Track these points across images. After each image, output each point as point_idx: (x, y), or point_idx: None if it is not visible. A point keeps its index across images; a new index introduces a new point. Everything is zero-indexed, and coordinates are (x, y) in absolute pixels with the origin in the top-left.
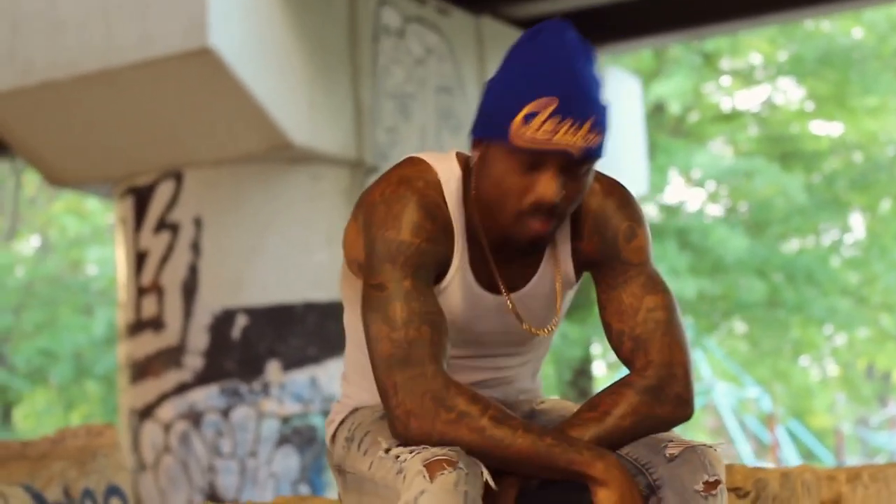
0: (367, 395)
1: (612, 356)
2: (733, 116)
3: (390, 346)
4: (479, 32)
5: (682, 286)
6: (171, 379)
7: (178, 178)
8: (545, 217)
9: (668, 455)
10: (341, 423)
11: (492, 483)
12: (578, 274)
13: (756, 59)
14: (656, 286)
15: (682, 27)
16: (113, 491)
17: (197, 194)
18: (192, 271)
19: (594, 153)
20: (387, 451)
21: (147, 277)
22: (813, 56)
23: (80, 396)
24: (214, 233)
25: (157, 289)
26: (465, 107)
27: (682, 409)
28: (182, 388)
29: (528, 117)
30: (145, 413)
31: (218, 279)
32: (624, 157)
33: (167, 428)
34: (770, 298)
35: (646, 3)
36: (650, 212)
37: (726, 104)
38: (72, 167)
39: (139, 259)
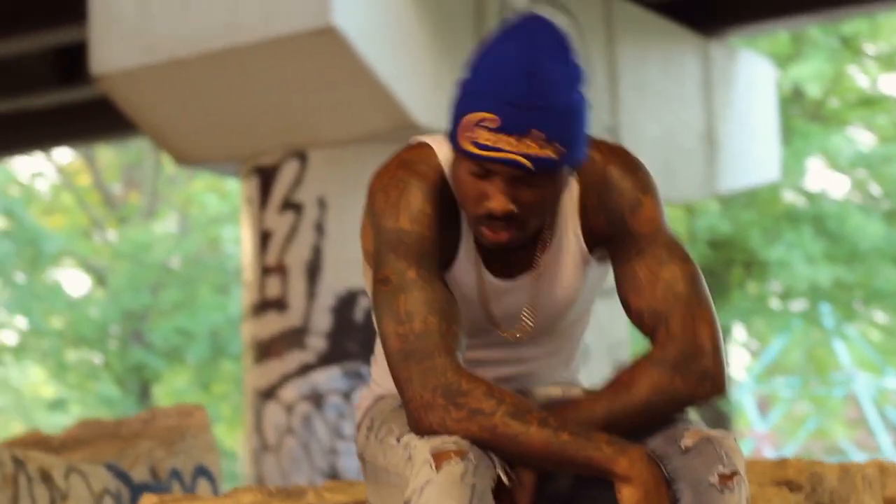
0: (391, 382)
1: (755, 344)
2: (874, 101)
3: (398, 341)
4: (608, 14)
5: (817, 273)
6: (294, 360)
7: (302, 157)
8: (502, 226)
9: (682, 447)
10: (367, 411)
11: (504, 478)
12: (593, 250)
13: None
14: (673, 256)
15: (817, 8)
16: (201, 471)
17: (321, 174)
18: (316, 252)
19: (549, 164)
20: (398, 439)
21: (271, 257)
22: None
23: (216, 375)
24: (338, 213)
25: (281, 269)
26: (594, 90)
27: (710, 384)
28: (305, 370)
29: (475, 126)
30: (268, 394)
31: (341, 260)
32: (755, 141)
33: (289, 409)
34: None
35: None
36: (788, 197)
37: (867, 88)
38: (197, 146)
39: (264, 239)
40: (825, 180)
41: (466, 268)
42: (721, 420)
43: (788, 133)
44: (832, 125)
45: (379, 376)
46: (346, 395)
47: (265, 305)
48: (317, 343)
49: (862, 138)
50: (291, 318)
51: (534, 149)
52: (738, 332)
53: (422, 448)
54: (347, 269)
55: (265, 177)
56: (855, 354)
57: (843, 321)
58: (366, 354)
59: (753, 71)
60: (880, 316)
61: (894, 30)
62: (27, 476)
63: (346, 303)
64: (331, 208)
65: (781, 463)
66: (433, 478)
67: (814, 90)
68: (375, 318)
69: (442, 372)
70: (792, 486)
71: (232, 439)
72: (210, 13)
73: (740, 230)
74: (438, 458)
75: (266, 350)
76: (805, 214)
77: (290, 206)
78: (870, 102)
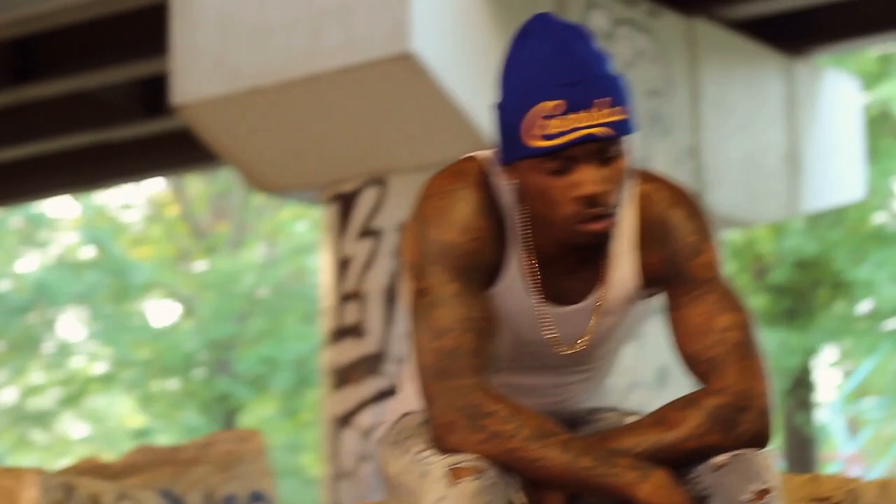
0: (417, 399)
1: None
2: None
3: (430, 356)
4: (690, 34)
5: None
6: (371, 386)
7: (381, 184)
8: (597, 213)
9: (715, 463)
10: (392, 426)
11: (518, 501)
12: (646, 288)
13: None
14: (730, 303)
15: None
16: (257, 497)
17: (400, 200)
18: (394, 278)
19: (619, 128)
20: (416, 454)
21: (350, 284)
22: None
23: (301, 403)
24: None
25: (359, 295)
26: (675, 110)
27: (754, 441)
28: (382, 396)
29: (542, 121)
30: (345, 420)
31: None
32: (840, 161)
33: (366, 436)
34: None
35: (866, 2)
36: (876, 218)
37: None
38: (278, 173)
39: (343, 265)
40: None
41: (512, 289)
42: (806, 444)
43: (875, 153)
44: None
45: (408, 392)
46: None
47: (343, 332)
48: (394, 369)
49: None
50: (369, 345)
51: (605, 115)
52: (829, 352)
53: (439, 464)
54: None
55: (345, 204)
56: None
57: None
58: None
59: (839, 90)
60: None
61: None
62: (77, 502)
63: None
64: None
65: (815, 479)
66: (448, 493)
67: None
68: (411, 328)
69: (468, 392)
70: (828, 502)
71: (317, 467)
72: (290, 41)
73: (827, 250)
74: (455, 474)
75: (344, 377)
76: (893, 234)
77: (369, 232)
78: None
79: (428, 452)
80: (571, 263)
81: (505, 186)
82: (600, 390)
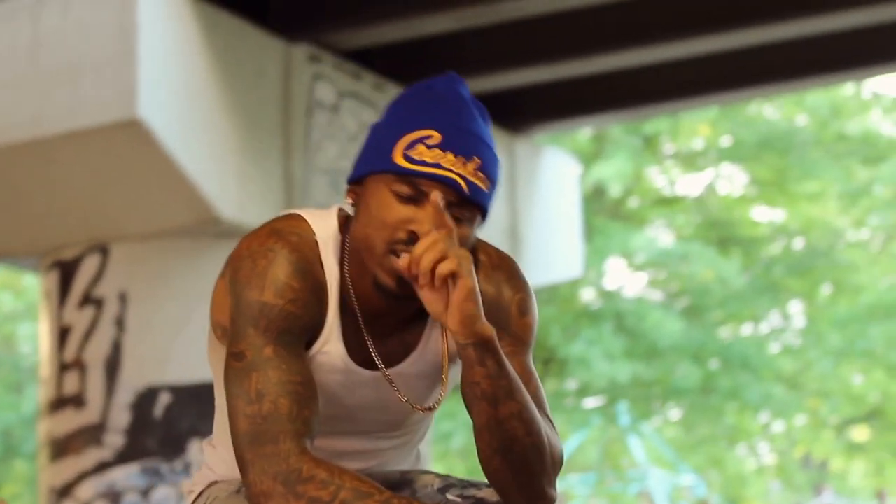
0: (227, 468)
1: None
2: (674, 201)
3: (245, 422)
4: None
5: (616, 370)
6: (91, 457)
7: (104, 251)
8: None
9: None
10: (199, 495)
11: None
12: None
13: (698, 143)
14: (536, 374)
15: (621, 106)
16: None
17: (123, 269)
18: (116, 347)
19: (482, 196)
20: None
21: (70, 353)
22: (754, 140)
23: (8, 475)
24: (140, 308)
25: (79, 365)
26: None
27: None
28: (102, 467)
29: (413, 143)
30: (64, 492)
31: (142, 356)
32: (559, 238)
33: None
34: (705, 384)
35: (584, 81)
36: (587, 295)
37: (667, 188)
38: None
39: (62, 334)
40: (623, 278)
41: (330, 352)
42: None
43: (589, 231)
44: (632, 224)
45: (213, 461)
46: (144, 493)
47: (62, 402)
48: (115, 440)
49: (661, 237)
50: (89, 415)
51: (470, 173)
52: None
53: None
54: (147, 364)
55: (66, 271)
56: (650, 451)
57: (639, 419)
58: (165, 451)
59: (557, 168)
60: (676, 413)
61: (694, 130)
62: None
63: (145, 399)
64: (132, 303)
65: None
66: None
67: (615, 189)
68: (225, 394)
69: (285, 458)
70: None
71: None
72: (14, 104)
73: (541, 327)
74: None
75: (63, 448)
76: (604, 312)
77: (91, 300)
78: (668, 202)
79: None
80: (391, 324)
81: (328, 244)
82: (414, 454)
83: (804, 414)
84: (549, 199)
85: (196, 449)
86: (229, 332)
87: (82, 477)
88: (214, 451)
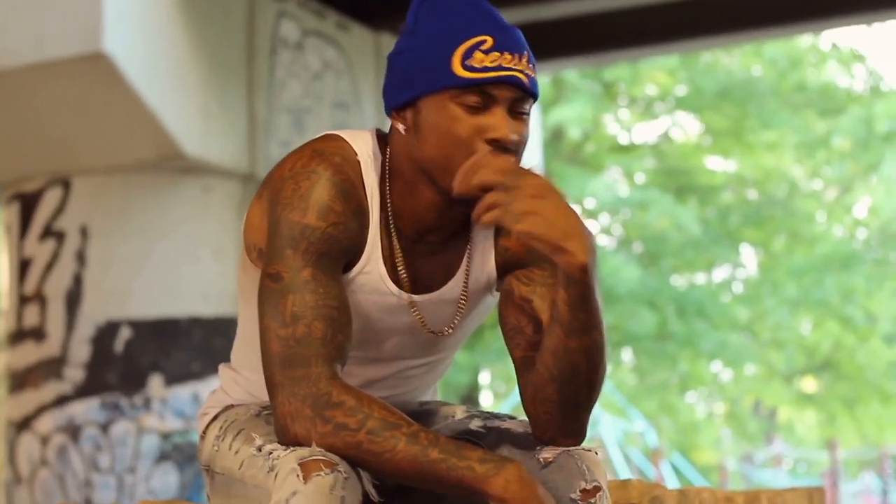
0: (246, 392)
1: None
2: (630, 148)
3: (278, 344)
4: (378, 49)
5: None
6: (50, 391)
7: (66, 185)
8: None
9: (541, 460)
10: (214, 418)
11: (373, 495)
12: (501, 276)
13: (655, 90)
14: None
15: (581, 52)
16: None
17: (84, 202)
18: (77, 281)
19: (537, 86)
20: (259, 448)
21: (30, 286)
22: (712, 90)
23: None
24: (101, 242)
25: (40, 298)
26: (362, 123)
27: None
28: (62, 401)
29: (469, 52)
30: (23, 425)
31: (103, 290)
32: None
33: (45, 441)
34: (660, 331)
35: (544, 25)
36: None
37: (624, 135)
38: None
39: (23, 267)
40: None
41: (370, 274)
42: None
43: (550, 176)
44: (590, 169)
45: (229, 385)
46: (104, 428)
47: (22, 335)
48: (75, 374)
49: (618, 183)
50: (49, 348)
51: (527, 68)
52: (485, 376)
53: (288, 458)
54: (108, 299)
55: (27, 204)
56: (602, 398)
57: None
58: (125, 386)
59: None
60: (629, 358)
61: (653, 79)
62: None
63: (105, 333)
64: (93, 237)
65: (624, 484)
66: (301, 488)
67: (574, 133)
68: (259, 314)
69: (315, 381)
70: None
71: None
72: None
73: None
74: (306, 468)
75: (22, 380)
76: None
77: (52, 233)
78: (625, 149)
79: (272, 446)
80: (433, 246)
81: (369, 164)
82: (434, 386)
83: (756, 363)
84: None
85: (155, 384)
86: (266, 253)
87: (41, 410)
88: (234, 374)
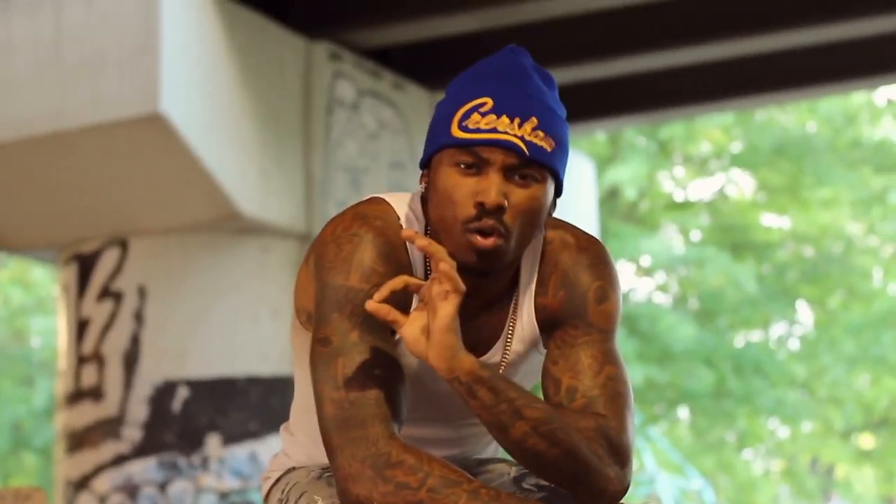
0: (305, 454)
1: None
2: (686, 205)
3: (333, 407)
4: (433, 108)
5: (629, 372)
6: (108, 450)
7: (123, 245)
8: (492, 226)
9: None
10: (276, 482)
11: None
12: (544, 332)
13: (710, 148)
14: (618, 360)
15: (637, 110)
16: None
17: (142, 263)
18: (134, 341)
19: (545, 155)
20: None
21: (88, 346)
22: (767, 147)
23: (18, 468)
24: (159, 302)
25: (97, 358)
26: (418, 183)
27: (619, 483)
28: (119, 460)
29: (468, 113)
30: (81, 484)
31: (160, 350)
32: None
33: (103, 500)
34: (717, 389)
35: (602, 84)
36: None
37: (679, 193)
38: (18, 232)
39: (81, 327)
40: (634, 281)
41: None
42: None
43: (603, 234)
44: (645, 227)
45: (290, 448)
46: (162, 487)
47: (80, 395)
48: (132, 433)
49: (674, 241)
50: (107, 408)
51: (525, 132)
52: None
53: None
54: (166, 358)
55: (84, 264)
56: (658, 456)
57: (647, 423)
58: (182, 445)
59: (575, 170)
60: (685, 416)
61: (708, 136)
62: None
63: (163, 393)
64: (151, 297)
65: None
66: None
67: (630, 192)
68: (312, 380)
69: (373, 441)
70: None
71: None
72: (37, 97)
73: None
74: None
75: (80, 440)
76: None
77: (110, 294)
78: (680, 206)
79: None
80: (475, 309)
81: (412, 227)
82: (494, 443)
83: (813, 420)
84: (567, 200)
85: (213, 443)
86: (314, 318)
87: (99, 470)
88: (292, 438)
